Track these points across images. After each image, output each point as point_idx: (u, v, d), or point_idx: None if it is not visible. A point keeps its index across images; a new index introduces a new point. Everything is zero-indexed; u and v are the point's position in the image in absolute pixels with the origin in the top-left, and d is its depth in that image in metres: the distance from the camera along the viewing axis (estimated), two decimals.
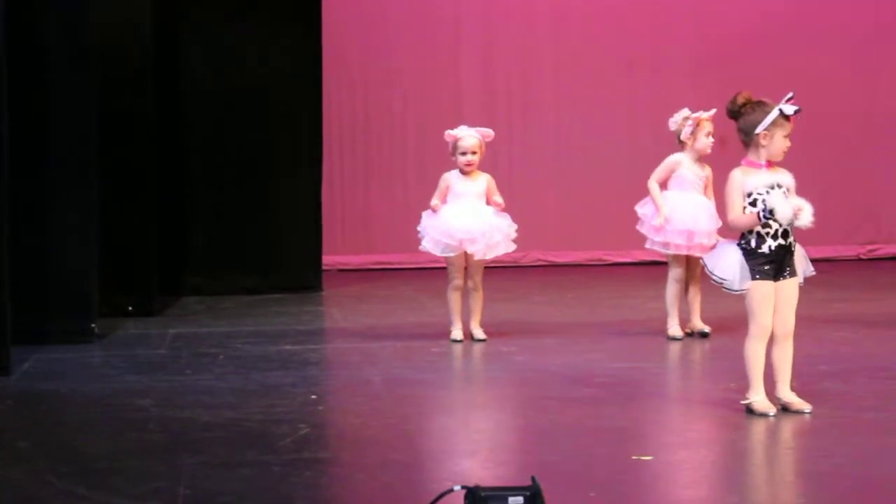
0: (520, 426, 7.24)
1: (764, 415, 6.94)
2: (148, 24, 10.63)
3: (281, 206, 11.75)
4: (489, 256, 9.19)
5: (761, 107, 6.94)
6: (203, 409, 7.25)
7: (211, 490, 5.75)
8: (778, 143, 6.92)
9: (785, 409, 7.03)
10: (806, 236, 6.95)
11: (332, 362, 9.09)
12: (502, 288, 10.97)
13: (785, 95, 6.95)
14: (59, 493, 5.73)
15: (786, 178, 6.96)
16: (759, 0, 13.63)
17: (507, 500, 4.96)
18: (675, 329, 9.31)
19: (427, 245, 9.20)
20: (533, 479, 5.06)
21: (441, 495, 5.12)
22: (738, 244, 6.95)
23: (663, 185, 9.29)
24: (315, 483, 5.94)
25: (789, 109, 6.91)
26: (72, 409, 7.45)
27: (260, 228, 11.74)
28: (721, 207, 9.01)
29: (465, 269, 9.26)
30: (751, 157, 6.96)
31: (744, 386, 7.08)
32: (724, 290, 7.00)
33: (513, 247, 9.25)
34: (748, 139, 6.96)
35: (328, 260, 12.48)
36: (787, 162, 7.00)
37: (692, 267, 9.31)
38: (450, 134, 9.19)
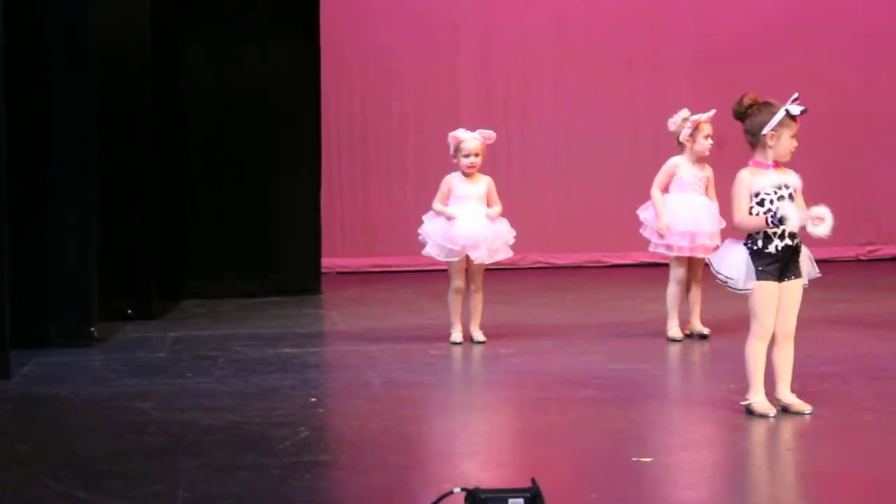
0: (519, 428, 7.24)
1: (764, 416, 6.94)
2: (148, 24, 10.63)
3: (280, 208, 11.74)
4: (490, 261, 9.21)
5: (768, 107, 6.92)
6: (203, 412, 7.24)
7: (210, 493, 5.75)
8: (785, 143, 6.91)
9: (785, 410, 7.02)
10: (805, 236, 6.95)
11: (331, 365, 9.08)
12: (501, 290, 10.96)
13: (791, 96, 6.94)
14: (58, 497, 5.73)
15: (793, 178, 6.95)
16: (759, 2, 13.63)
17: (507, 502, 4.96)
18: (674, 330, 9.31)
19: (430, 250, 9.21)
20: (533, 480, 5.06)
21: (441, 497, 5.12)
22: (745, 244, 6.94)
23: (664, 188, 9.30)
24: (314, 486, 5.94)
25: (796, 110, 6.90)
26: (72, 412, 7.45)
27: (259, 231, 11.73)
28: (724, 207, 9.07)
29: (466, 271, 9.26)
30: (758, 157, 6.95)
31: (744, 387, 7.07)
32: (728, 288, 7.00)
33: (511, 253, 9.28)
34: (755, 140, 6.94)
35: (327, 263, 12.48)
36: (788, 162, 6.99)
37: (694, 268, 9.31)
38: (453, 136, 9.19)
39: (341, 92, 13.10)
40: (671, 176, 9.29)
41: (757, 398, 6.99)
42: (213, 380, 8.17)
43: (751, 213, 6.88)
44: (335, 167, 13.10)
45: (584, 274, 13.10)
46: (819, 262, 7.09)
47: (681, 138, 9.28)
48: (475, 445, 6.74)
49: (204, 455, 6.39)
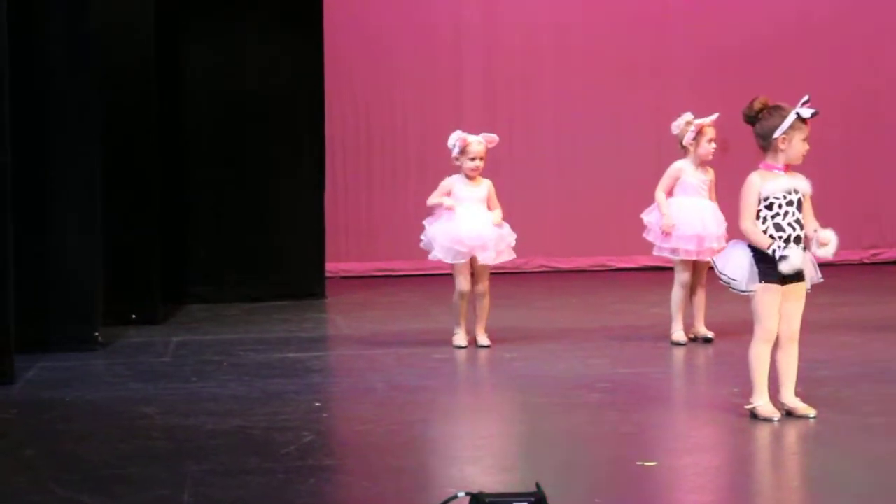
0: (524, 432, 7.23)
1: (768, 420, 6.93)
2: (151, 26, 10.61)
3: (284, 212, 11.74)
4: (495, 262, 9.22)
5: (778, 111, 6.91)
6: (207, 417, 7.25)
7: (215, 498, 5.75)
8: (796, 146, 6.90)
9: (789, 413, 7.02)
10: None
11: (335, 369, 9.08)
12: (506, 294, 10.96)
13: (800, 99, 6.93)
14: (62, 501, 5.73)
15: (802, 183, 6.94)
16: (762, 6, 13.62)
17: None
18: (678, 334, 9.30)
19: (438, 254, 9.21)
20: (537, 485, 5.06)
21: (445, 501, 5.12)
22: (749, 246, 6.93)
23: (668, 192, 9.31)
24: (319, 490, 5.94)
25: (807, 113, 6.89)
26: (76, 417, 7.45)
27: (263, 235, 11.73)
28: (724, 210, 9.08)
29: (472, 274, 9.26)
30: (769, 161, 6.94)
31: (747, 391, 7.07)
32: (731, 290, 6.99)
33: (514, 255, 9.30)
34: (766, 144, 6.93)
35: (331, 267, 12.48)
36: (796, 166, 6.98)
37: (698, 272, 9.31)
38: (460, 137, 9.19)
39: (344, 95, 13.10)
40: (675, 180, 9.30)
41: (761, 402, 6.99)
42: (217, 384, 8.17)
43: (758, 217, 6.87)
44: (339, 170, 13.10)
45: (588, 278, 13.09)
46: (822, 265, 7.09)
47: (684, 142, 9.29)
48: (479, 450, 6.74)
49: (209, 459, 6.40)
